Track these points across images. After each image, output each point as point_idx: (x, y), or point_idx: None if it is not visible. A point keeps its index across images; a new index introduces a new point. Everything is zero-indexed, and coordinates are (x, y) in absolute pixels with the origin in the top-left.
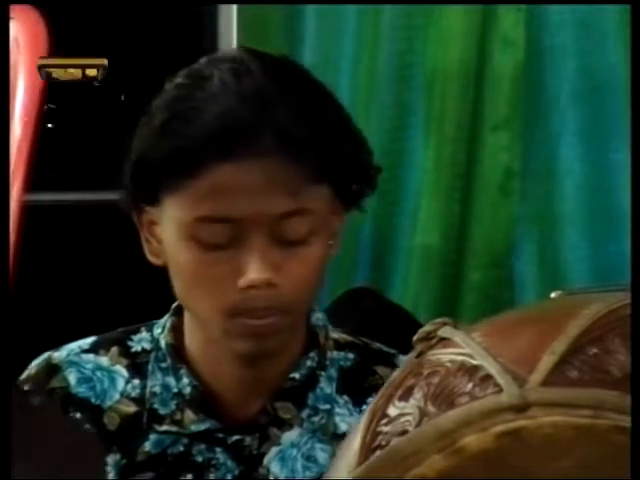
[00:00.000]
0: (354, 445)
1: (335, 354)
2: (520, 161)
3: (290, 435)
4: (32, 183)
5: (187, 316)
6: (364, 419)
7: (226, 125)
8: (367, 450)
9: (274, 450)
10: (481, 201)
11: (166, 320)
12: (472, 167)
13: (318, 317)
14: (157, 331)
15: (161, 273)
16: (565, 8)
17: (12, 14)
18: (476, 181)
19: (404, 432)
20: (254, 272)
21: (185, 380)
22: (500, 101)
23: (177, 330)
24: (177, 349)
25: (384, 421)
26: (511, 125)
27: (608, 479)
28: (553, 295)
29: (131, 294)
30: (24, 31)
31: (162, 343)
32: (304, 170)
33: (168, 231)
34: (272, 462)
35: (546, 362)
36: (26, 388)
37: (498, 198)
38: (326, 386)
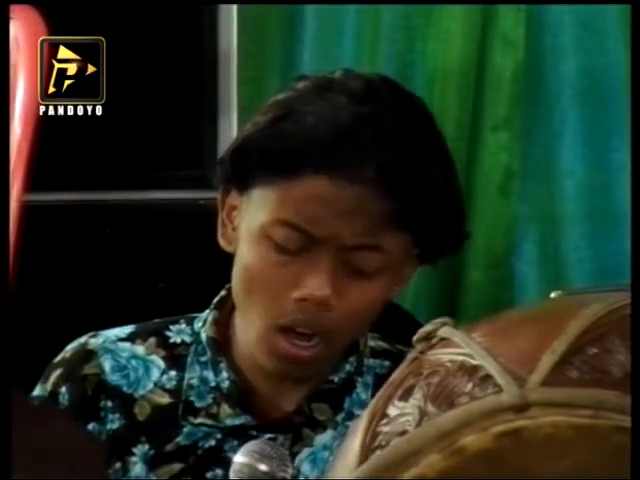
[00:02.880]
0: (354, 445)
1: (372, 361)
2: (520, 161)
3: (323, 437)
4: (32, 183)
5: None
6: (364, 419)
7: (335, 140)
8: (367, 450)
9: (306, 451)
10: (481, 201)
11: (207, 314)
12: (472, 167)
13: None
14: (198, 325)
15: (160, 274)
16: (565, 8)
17: (12, 14)
18: (476, 181)
19: (404, 432)
20: (313, 287)
21: (224, 374)
22: (500, 101)
23: (219, 324)
24: (218, 343)
25: (384, 421)
26: (511, 125)
27: (608, 479)
28: (553, 295)
29: (131, 294)
30: (24, 31)
31: (203, 337)
32: (392, 212)
33: (247, 222)
34: (303, 463)
35: (546, 362)
36: (59, 371)
37: (498, 198)
38: (362, 392)
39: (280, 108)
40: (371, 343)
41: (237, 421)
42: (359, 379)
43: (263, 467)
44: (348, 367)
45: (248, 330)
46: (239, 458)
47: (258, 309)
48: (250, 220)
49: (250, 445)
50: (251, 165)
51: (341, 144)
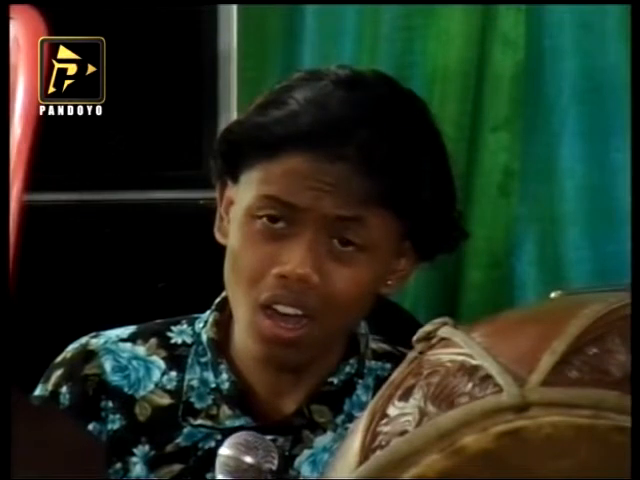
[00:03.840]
0: (354, 445)
1: (373, 363)
2: (520, 161)
3: (323, 439)
4: (32, 183)
5: None
6: (364, 419)
7: (317, 120)
8: (367, 450)
9: (306, 453)
10: (481, 201)
11: (209, 315)
12: (472, 167)
13: (360, 324)
14: (199, 326)
15: (160, 274)
16: (565, 8)
17: (12, 14)
18: (476, 181)
19: (404, 432)
20: (294, 264)
21: (224, 376)
22: (500, 101)
23: (219, 325)
24: (218, 344)
25: (384, 421)
26: (511, 125)
27: (608, 479)
28: (553, 295)
29: (131, 294)
30: (24, 31)
31: (203, 338)
32: (372, 189)
33: (236, 208)
34: (303, 465)
35: (546, 362)
36: (60, 371)
37: (498, 198)
38: (362, 394)
39: (268, 95)
40: (373, 345)
41: (237, 423)
42: (360, 381)
43: (248, 459)
44: (348, 369)
45: (237, 315)
46: (224, 451)
47: (242, 289)
48: (238, 205)
49: (234, 437)
50: (238, 149)
51: (322, 125)
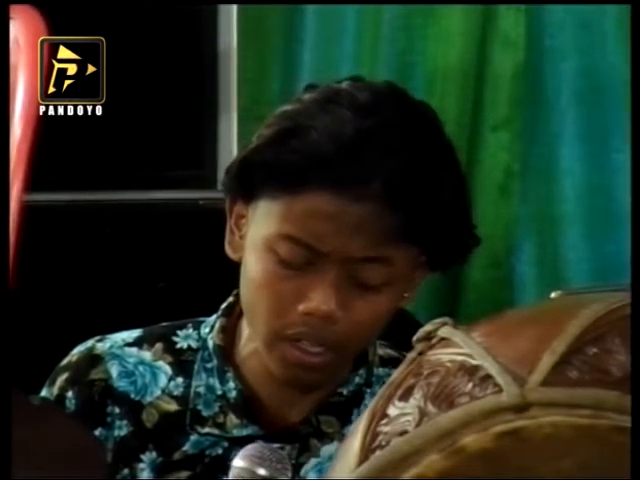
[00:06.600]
0: (354, 445)
1: (380, 371)
2: (520, 161)
3: (330, 448)
4: (32, 183)
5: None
6: (364, 419)
7: (339, 156)
8: (367, 450)
9: (313, 461)
10: (481, 201)
11: (215, 320)
12: (472, 167)
13: None
14: (205, 330)
15: (160, 274)
16: (565, 8)
17: (12, 14)
18: (476, 181)
19: (404, 432)
20: (319, 301)
21: (231, 384)
22: (500, 101)
23: (226, 331)
24: (225, 351)
25: (384, 421)
26: (511, 125)
27: (608, 479)
28: (553, 295)
29: (131, 294)
30: (24, 31)
31: (210, 343)
32: (398, 226)
33: (253, 233)
34: (309, 473)
35: (546, 362)
36: (66, 375)
37: (498, 198)
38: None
39: (285, 122)
40: (380, 352)
41: (244, 432)
42: (368, 390)
43: (262, 471)
44: (358, 379)
45: (256, 338)
46: (238, 462)
47: (265, 320)
48: (255, 231)
49: (248, 449)
50: (256, 179)
51: (345, 160)
